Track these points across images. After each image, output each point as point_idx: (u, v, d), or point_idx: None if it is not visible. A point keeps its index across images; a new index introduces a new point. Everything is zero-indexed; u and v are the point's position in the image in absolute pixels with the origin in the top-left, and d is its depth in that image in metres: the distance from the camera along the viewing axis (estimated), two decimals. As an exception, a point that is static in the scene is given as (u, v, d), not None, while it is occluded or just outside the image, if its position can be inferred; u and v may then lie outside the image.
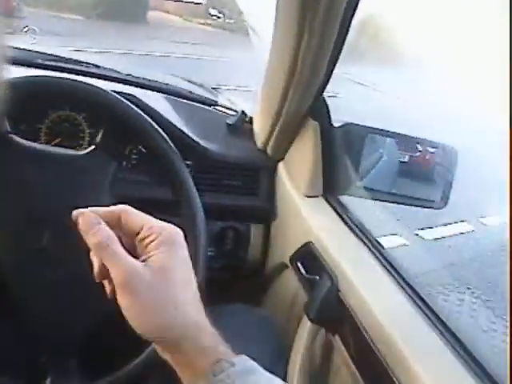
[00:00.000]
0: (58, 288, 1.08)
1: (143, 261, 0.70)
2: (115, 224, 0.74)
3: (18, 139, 1.13)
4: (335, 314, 1.13)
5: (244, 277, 1.55)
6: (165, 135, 1.15)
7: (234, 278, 1.54)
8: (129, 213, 0.76)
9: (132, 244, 0.73)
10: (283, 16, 1.21)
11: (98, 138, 1.16)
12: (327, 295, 1.15)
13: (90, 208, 0.74)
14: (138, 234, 0.73)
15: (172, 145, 1.15)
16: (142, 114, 1.15)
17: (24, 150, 1.13)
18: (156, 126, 1.14)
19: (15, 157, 1.11)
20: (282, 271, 1.42)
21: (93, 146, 1.16)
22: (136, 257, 0.71)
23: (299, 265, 1.30)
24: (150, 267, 0.69)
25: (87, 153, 1.15)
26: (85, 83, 1.16)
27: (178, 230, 0.74)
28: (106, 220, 0.73)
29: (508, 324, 1.00)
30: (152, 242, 0.71)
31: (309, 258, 1.28)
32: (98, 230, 0.72)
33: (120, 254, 0.69)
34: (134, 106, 1.15)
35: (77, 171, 1.14)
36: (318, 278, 1.21)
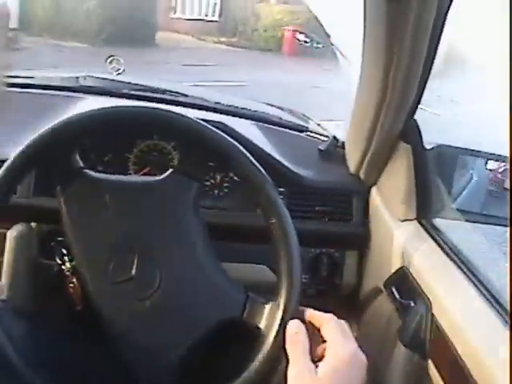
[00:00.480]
0: (151, 315, 1.06)
1: (316, 364, 0.86)
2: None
3: (91, 173, 1.12)
4: (429, 340, 1.10)
5: (338, 303, 1.53)
6: (256, 162, 1.11)
7: (329, 305, 1.53)
8: (329, 324, 0.93)
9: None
10: (371, 40, 1.22)
11: (176, 161, 1.15)
12: (421, 320, 1.13)
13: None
14: (325, 341, 0.89)
15: (263, 171, 1.11)
16: (233, 141, 1.12)
17: (100, 183, 1.12)
18: (247, 153, 1.11)
19: (92, 191, 1.10)
20: (376, 296, 1.40)
21: (170, 170, 1.13)
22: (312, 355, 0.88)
23: (393, 290, 1.28)
24: (317, 372, 0.84)
25: (165, 177, 1.13)
26: (177, 113, 1.14)
27: (364, 359, 0.87)
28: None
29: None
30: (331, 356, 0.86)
31: (403, 283, 1.25)
32: (296, 324, 0.93)
33: (303, 351, 0.87)
34: (224, 134, 1.13)
35: (156, 196, 1.12)
36: (412, 302, 1.19)
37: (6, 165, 1.03)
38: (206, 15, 17.96)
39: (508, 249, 0.85)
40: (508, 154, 1.26)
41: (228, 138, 1.11)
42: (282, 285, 1.02)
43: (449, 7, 1.08)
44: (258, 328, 1.03)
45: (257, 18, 17.67)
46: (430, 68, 1.19)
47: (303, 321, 0.96)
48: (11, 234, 1.39)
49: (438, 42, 1.14)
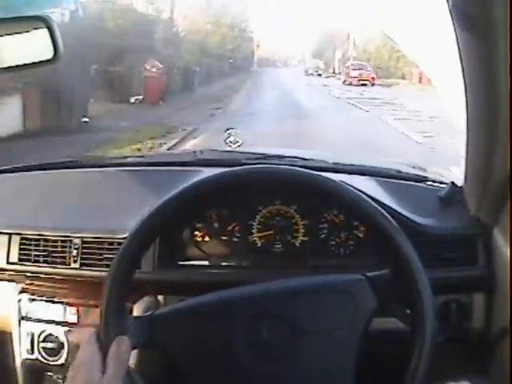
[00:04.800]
0: (295, 378, 1.06)
1: None
2: None
3: None
4: None
5: (468, 347, 1.49)
6: (389, 216, 1.10)
7: (459, 349, 1.49)
8: None
9: None
10: (471, 80, 1.24)
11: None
12: None
13: None
14: None
15: (397, 225, 1.10)
16: (366, 197, 1.12)
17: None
18: (381, 209, 1.10)
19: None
20: (506, 337, 1.36)
21: None
22: None
23: None
24: None
25: None
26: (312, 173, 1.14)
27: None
28: None
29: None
30: None
31: None
32: None
33: None
34: (358, 191, 1.12)
35: None
36: None
37: (130, 236, 1.07)
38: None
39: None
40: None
41: (358, 192, 1.12)
42: (415, 341, 1.03)
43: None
44: None
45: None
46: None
47: None
48: (138, 308, 1.47)
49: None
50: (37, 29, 1.19)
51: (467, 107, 1.31)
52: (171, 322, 1.09)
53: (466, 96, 1.29)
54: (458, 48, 1.19)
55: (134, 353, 1.41)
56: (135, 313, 1.44)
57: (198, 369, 1.07)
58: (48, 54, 1.22)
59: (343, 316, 1.08)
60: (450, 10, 1.11)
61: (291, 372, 1.06)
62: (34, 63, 1.23)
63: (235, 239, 1.56)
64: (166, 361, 1.09)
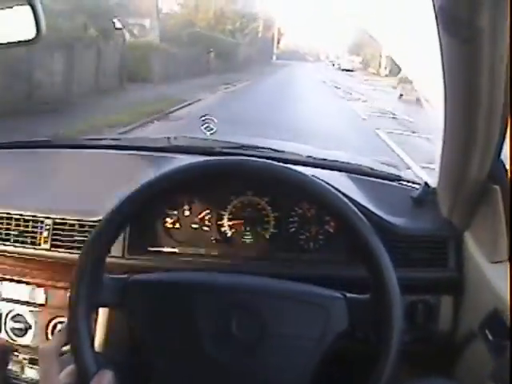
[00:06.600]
0: (253, 375, 1.07)
1: None
2: None
3: None
4: None
5: (434, 348, 1.51)
6: (359, 212, 1.09)
7: (424, 350, 1.50)
8: None
9: None
10: (450, 84, 1.24)
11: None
12: None
13: None
14: None
15: (367, 221, 1.10)
16: (336, 192, 1.11)
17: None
18: (351, 205, 1.10)
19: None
20: (471, 339, 1.38)
21: None
22: None
23: (487, 332, 1.26)
24: None
25: None
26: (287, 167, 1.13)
27: None
28: None
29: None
30: None
31: (498, 325, 1.23)
32: None
33: None
34: (323, 183, 1.12)
35: None
36: (507, 343, 1.17)
37: (102, 221, 1.07)
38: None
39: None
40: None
41: (328, 186, 1.12)
42: (382, 339, 1.04)
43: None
44: None
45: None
46: (511, 106, 1.19)
47: None
48: None
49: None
50: (19, 5, 1.16)
51: (445, 110, 1.32)
52: (145, 288, 1.11)
53: (445, 99, 1.30)
54: (441, 51, 1.19)
55: (104, 318, 1.46)
56: None
57: (160, 342, 1.08)
58: (30, 33, 1.19)
59: (313, 328, 1.08)
60: (435, 13, 1.11)
61: (249, 368, 1.07)
62: (13, 42, 1.20)
63: (205, 228, 1.56)
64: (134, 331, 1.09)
